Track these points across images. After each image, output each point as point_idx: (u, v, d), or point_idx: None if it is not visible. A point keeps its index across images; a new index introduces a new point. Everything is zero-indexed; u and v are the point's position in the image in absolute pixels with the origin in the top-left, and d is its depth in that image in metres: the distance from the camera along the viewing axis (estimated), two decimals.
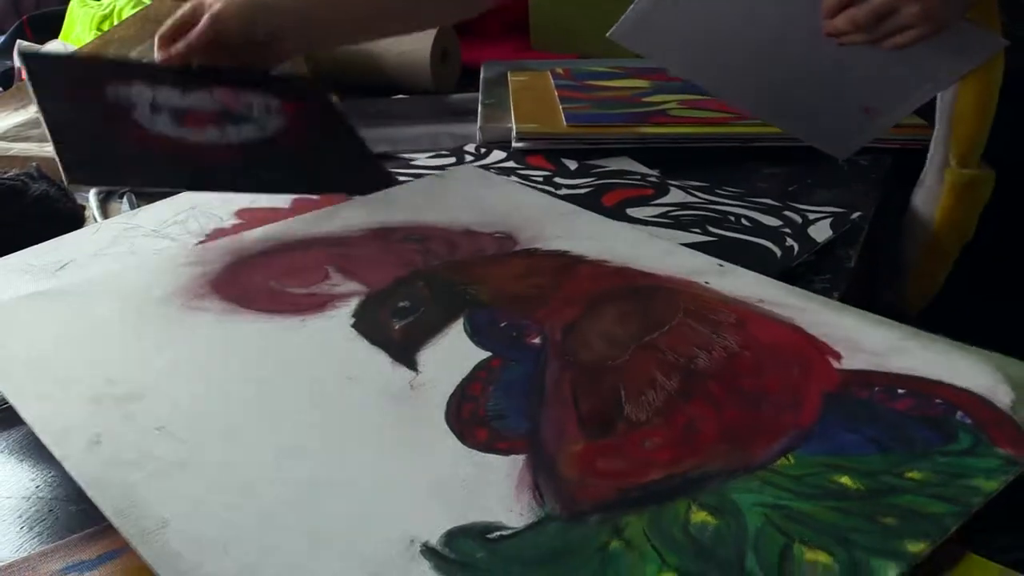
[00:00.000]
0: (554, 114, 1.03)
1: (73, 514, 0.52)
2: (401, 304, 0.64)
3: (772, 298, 0.63)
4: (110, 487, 0.48)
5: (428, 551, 0.43)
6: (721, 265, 0.68)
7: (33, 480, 0.55)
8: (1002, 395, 0.51)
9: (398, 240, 0.73)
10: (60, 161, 0.67)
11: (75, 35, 1.43)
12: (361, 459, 0.50)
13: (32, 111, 1.17)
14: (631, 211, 0.83)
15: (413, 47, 1.26)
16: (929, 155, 0.94)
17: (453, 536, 0.44)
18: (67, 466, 0.50)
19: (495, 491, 0.47)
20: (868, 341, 0.57)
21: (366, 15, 0.98)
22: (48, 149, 1.07)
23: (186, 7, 0.88)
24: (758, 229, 0.78)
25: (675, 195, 0.85)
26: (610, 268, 0.68)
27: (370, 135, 1.06)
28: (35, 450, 0.57)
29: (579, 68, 1.26)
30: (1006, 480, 0.45)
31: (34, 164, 0.86)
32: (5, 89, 1.34)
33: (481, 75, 1.24)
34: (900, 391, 0.53)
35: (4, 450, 0.58)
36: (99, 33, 1.34)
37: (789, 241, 0.77)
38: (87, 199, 0.91)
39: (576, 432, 0.51)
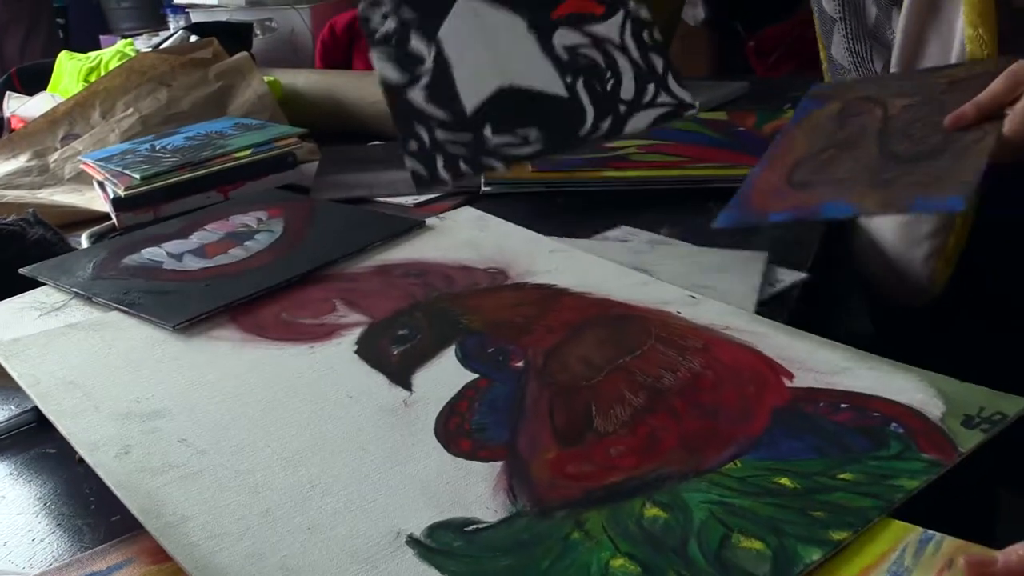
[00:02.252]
0: None
1: (80, 527, 0.58)
2: (400, 332, 0.70)
3: (736, 325, 0.69)
4: (137, 490, 0.54)
5: (412, 541, 0.50)
6: (693, 297, 0.74)
7: (40, 499, 0.62)
8: (933, 408, 0.57)
9: (399, 276, 0.80)
10: (151, 319, 0.73)
11: (63, 86, 1.50)
12: (356, 465, 0.56)
13: (23, 160, 1.25)
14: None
15: None
16: None
17: (435, 529, 0.50)
18: (100, 473, 0.57)
19: (475, 493, 0.53)
20: (819, 362, 0.63)
21: None
22: (41, 195, 1.15)
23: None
24: None
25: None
26: (591, 299, 0.74)
27: (349, 180, 1.14)
28: (41, 472, 0.64)
29: None
30: (927, 480, 0.51)
31: (31, 210, 0.92)
32: None
33: None
34: (843, 405, 0.58)
35: (12, 472, 0.65)
36: (87, 84, 1.40)
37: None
38: (79, 242, 0.98)
39: (550, 441, 0.57)
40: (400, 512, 0.52)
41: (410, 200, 1.06)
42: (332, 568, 0.48)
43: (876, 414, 0.57)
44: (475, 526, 0.51)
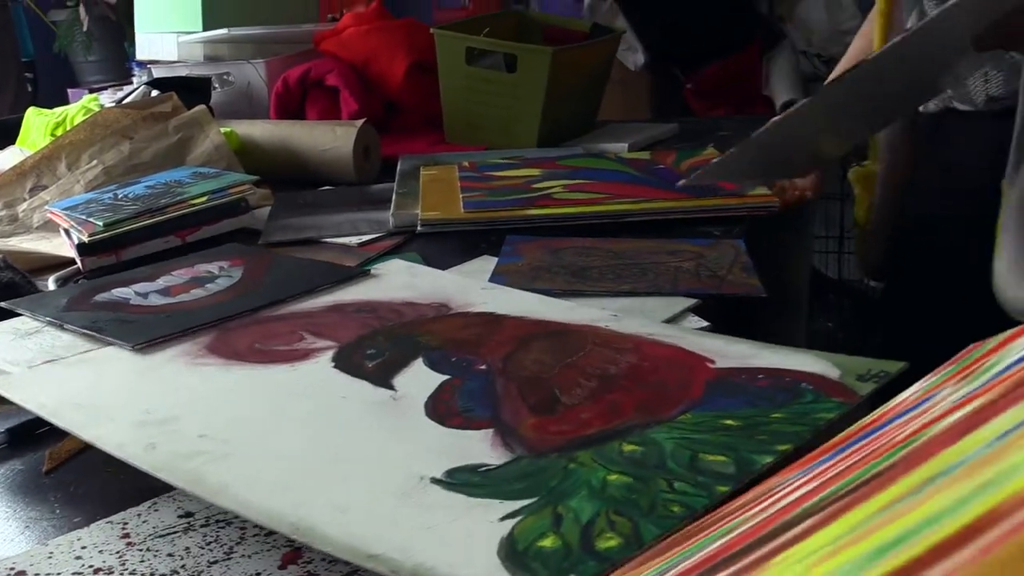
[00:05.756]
0: (455, 202, 1.23)
1: (45, 528, 0.65)
2: (369, 351, 0.80)
3: (657, 332, 0.82)
4: (176, 470, 0.61)
5: (436, 480, 0.59)
6: (615, 315, 0.87)
7: (10, 506, 0.68)
8: (831, 372, 0.71)
9: (352, 311, 0.89)
10: (115, 340, 0.82)
11: (31, 140, 1.58)
12: (368, 441, 0.65)
13: None
14: None
15: (336, 144, 1.47)
16: None
17: (452, 472, 0.60)
18: (134, 464, 0.63)
19: (477, 450, 0.63)
20: (731, 352, 0.77)
21: None
22: (11, 243, 1.21)
23: None
24: None
25: None
26: (530, 321, 0.86)
27: (298, 223, 1.25)
28: (11, 485, 0.71)
29: (482, 161, 1.46)
30: (840, 413, 0.64)
31: (1, 256, 1.00)
32: None
33: (398, 167, 1.45)
34: (760, 376, 0.72)
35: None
36: (53, 138, 1.48)
37: None
38: (47, 285, 1.05)
39: (528, 413, 0.68)
40: (419, 464, 0.61)
41: (354, 240, 1.17)
42: (373, 501, 0.57)
43: (788, 379, 0.71)
44: (485, 467, 0.61)
